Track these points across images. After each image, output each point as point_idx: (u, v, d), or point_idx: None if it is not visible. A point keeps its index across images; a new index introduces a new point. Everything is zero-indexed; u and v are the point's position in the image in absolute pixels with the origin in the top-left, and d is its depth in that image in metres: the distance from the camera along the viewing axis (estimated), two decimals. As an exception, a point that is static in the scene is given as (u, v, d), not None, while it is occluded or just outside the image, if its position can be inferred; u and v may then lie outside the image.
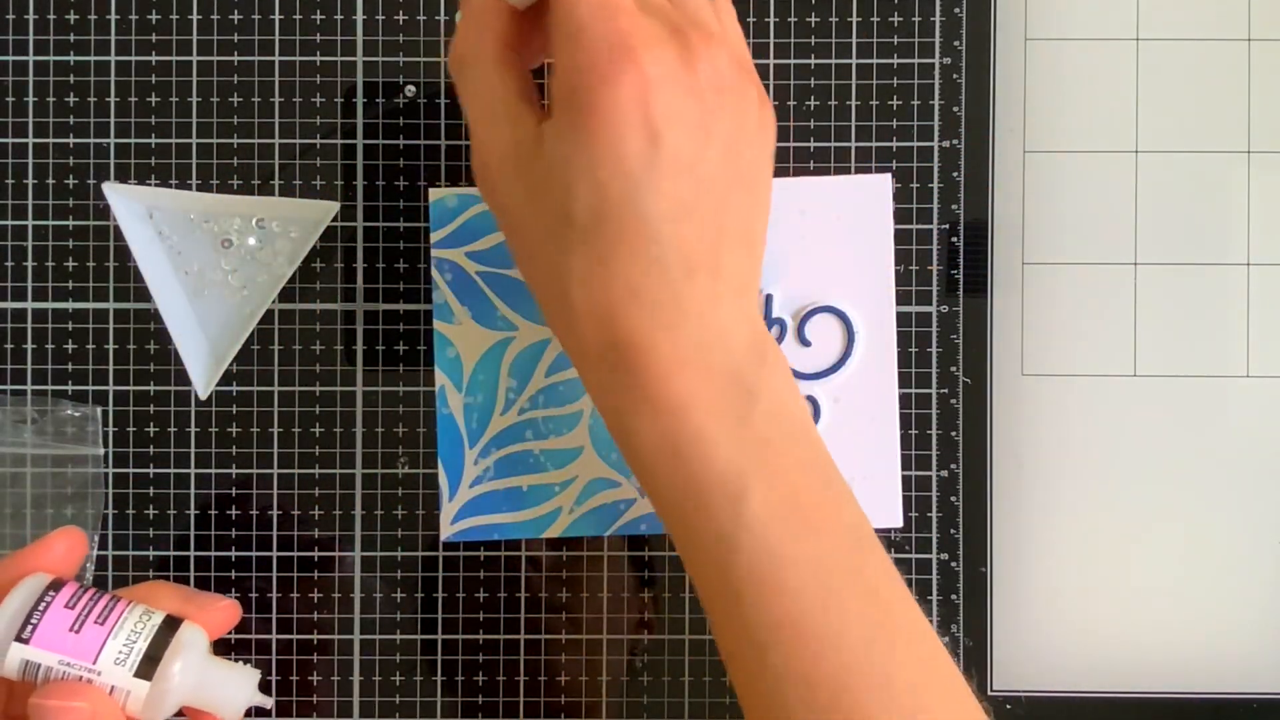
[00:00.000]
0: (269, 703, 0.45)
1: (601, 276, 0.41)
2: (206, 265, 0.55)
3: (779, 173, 0.55)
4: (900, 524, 0.55)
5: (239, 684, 0.44)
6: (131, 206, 0.55)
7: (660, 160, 0.40)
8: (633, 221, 0.40)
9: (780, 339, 0.54)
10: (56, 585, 0.42)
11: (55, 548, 0.43)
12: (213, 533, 0.56)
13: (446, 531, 0.55)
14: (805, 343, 0.54)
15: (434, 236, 0.55)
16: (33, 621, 0.41)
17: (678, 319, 0.41)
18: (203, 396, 0.55)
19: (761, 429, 0.41)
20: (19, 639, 0.40)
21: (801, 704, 0.40)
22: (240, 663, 0.45)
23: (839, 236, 0.55)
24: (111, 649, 0.41)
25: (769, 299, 0.54)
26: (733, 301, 0.42)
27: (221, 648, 0.55)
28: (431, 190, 0.55)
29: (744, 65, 0.43)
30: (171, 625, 0.43)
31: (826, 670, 0.40)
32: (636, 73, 0.39)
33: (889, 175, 0.55)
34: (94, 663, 0.41)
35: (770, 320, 0.54)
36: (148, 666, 0.41)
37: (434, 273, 0.55)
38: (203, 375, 0.55)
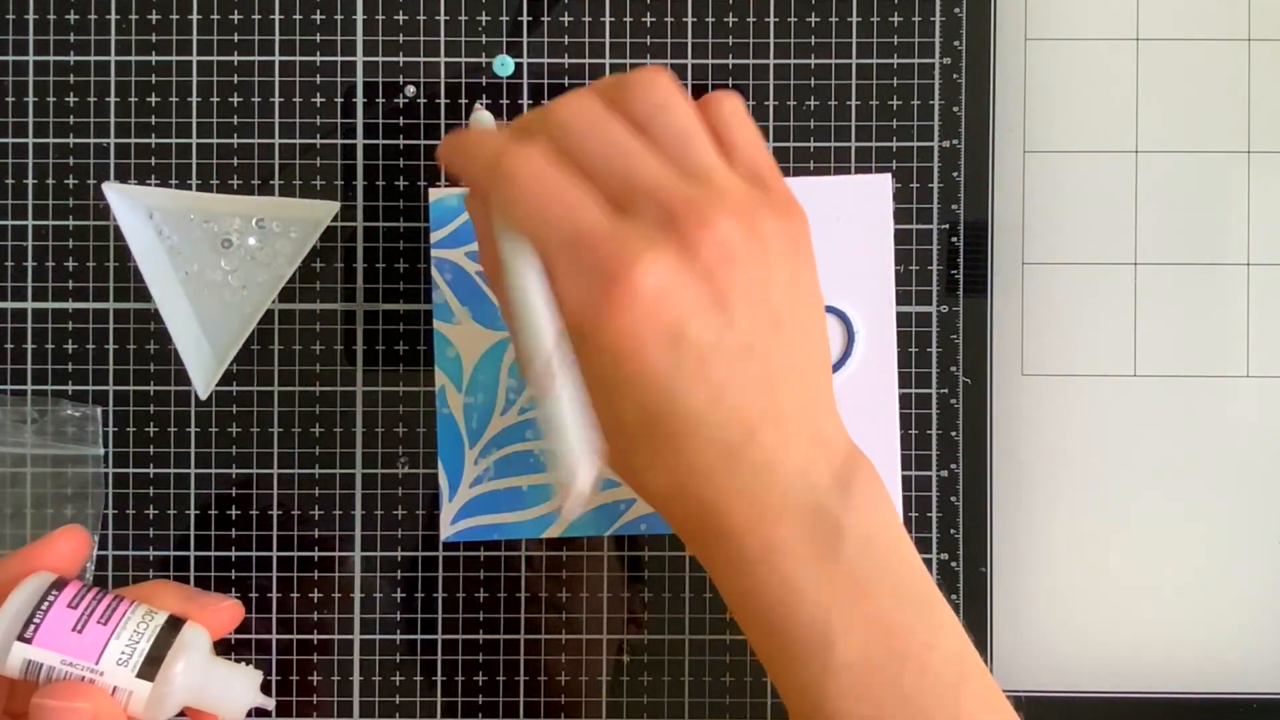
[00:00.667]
0: (270, 704, 0.45)
1: (667, 465, 0.40)
2: (206, 265, 0.55)
3: (779, 163, 0.55)
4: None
5: (241, 685, 0.44)
6: (131, 206, 0.55)
7: (687, 357, 0.39)
8: (677, 421, 0.39)
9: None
10: (59, 584, 0.42)
11: (58, 547, 0.43)
12: (213, 533, 0.56)
13: (446, 531, 0.55)
14: (805, 342, 0.54)
15: (434, 236, 0.55)
16: (35, 621, 0.40)
17: (750, 480, 0.40)
18: (203, 397, 0.55)
19: (850, 565, 0.40)
20: (21, 638, 0.40)
21: None
22: (242, 663, 0.45)
23: (839, 236, 0.55)
24: (114, 649, 0.41)
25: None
26: (804, 440, 0.41)
27: (222, 648, 0.55)
28: (431, 190, 0.55)
29: (757, 180, 0.42)
30: (174, 626, 0.42)
31: None
32: (634, 296, 0.38)
33: (889, 175, 0.55)
34: (96, 663, 0.41)
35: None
36: (150, 667, 0.41)
37: (434, 273, 0.55)
38: (203, 375, 0.55)
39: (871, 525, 0.41)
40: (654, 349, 0.38)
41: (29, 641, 0.40)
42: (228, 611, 0.45)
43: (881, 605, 0.40)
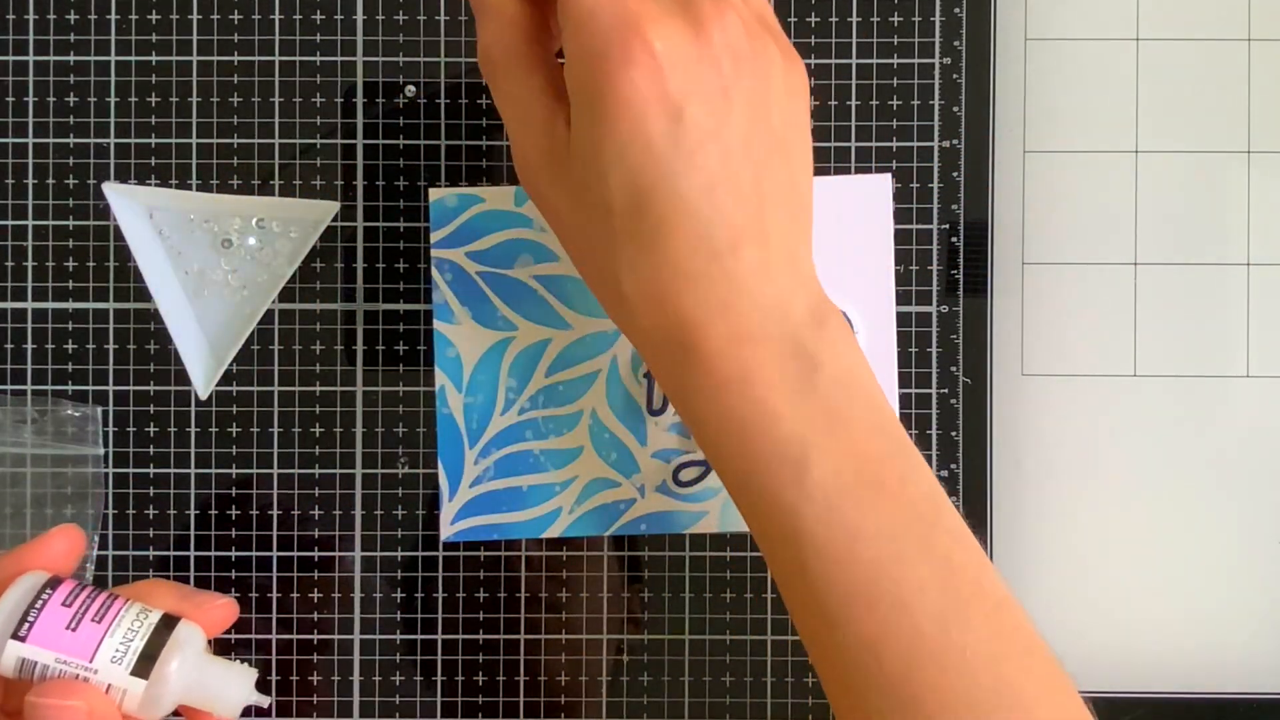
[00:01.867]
0: (266, 701, 0.45)
1: (649, 262, 0.41)
2: (206, 265, 0.55)
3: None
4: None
5: (236, 682, 0.44)
6: (131, 206, 0.55)
7: (685, 136, 0.39)
8: (670, 201, 0.40)
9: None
10: (54, 583, 0.42)
11: (54, 545, 0.43)
12: (213, 533, 0.56)
13: (446, 531, 0.55)
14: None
15: (434, 236, 0.55)
16: (29, 619, 0.40)
17: (729, 294, 0.40)
18: (203, 397, 0.55)
19: (825, 397, 0.41)
20: (15, 636, 0.40)
21: (873, 678, 0.40)
22: (238, 661, 0.45)
23: (839, 236, 0.55)
24: (108, 647, 0.41)
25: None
26: (785, 269, 0.42)
27: (222, 647, 0.55)
28: (431, 190, 0.55)
29: (763, 24, 0.42)
30: (169, 623, 0.42)
31: (898, 643, 0.39)
32: (646, 52, 0.39)
33: (889, 175, 0.55)
34: (90, 661, 0.41)
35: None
36: (144, 665, 0.41)
37: (434, 273, 0.55)
38: (203, 375, 0.55)
39: (846, 365, 0.42)
40: (655, 115, 0.39)
41: (23, 640, 0.40)
42: (222, 610, 0.45)
43: (856, 437, 0.41)
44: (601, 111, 0.40)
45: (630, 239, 0.41)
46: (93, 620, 0.41)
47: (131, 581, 0.53)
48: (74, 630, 0.41)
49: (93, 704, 0.41)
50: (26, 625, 0.40)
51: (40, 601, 0.41)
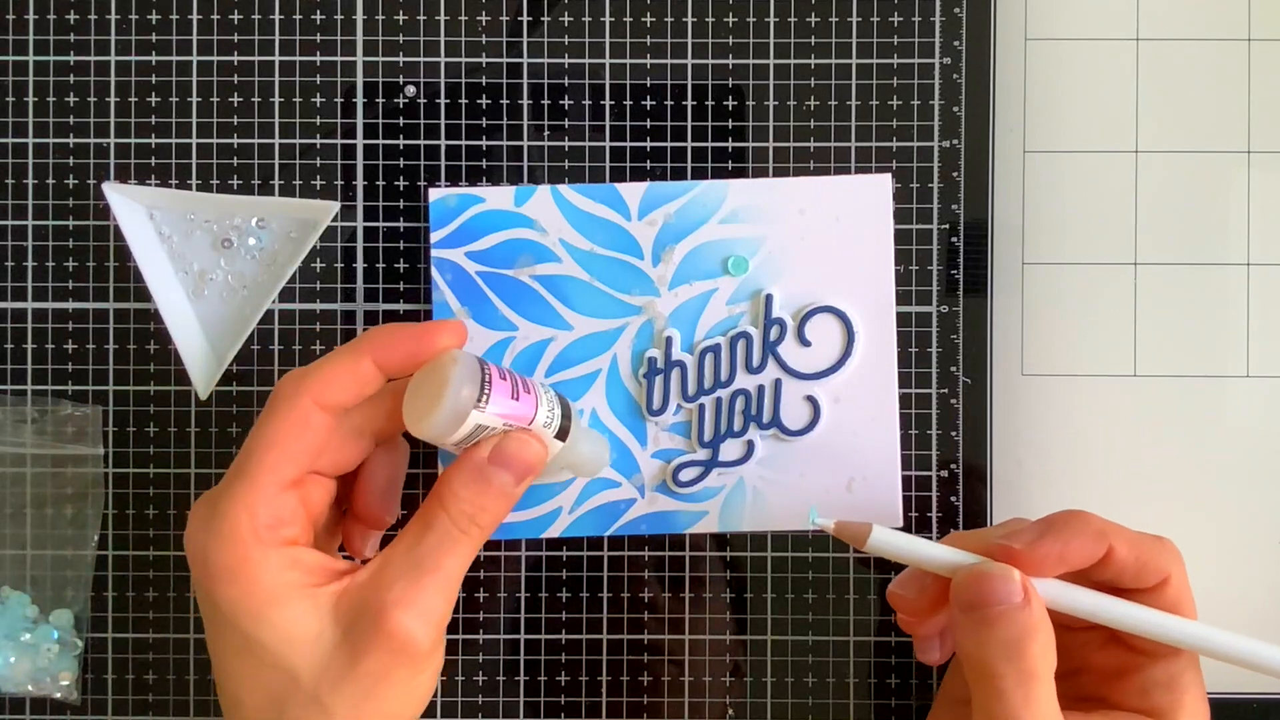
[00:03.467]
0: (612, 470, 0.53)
1: None
2: (207, 265, 0.55)
3: (779, 173, 0.55)
4: (900, 524, 0.55)
5: (604, 449, 0.53)
6: (131, 206, 0.55)
7: None
8: None
9: (780, 339, 0.54)
10: (481, 362, 0.46)
11: (454, 334, 0.47)
12: (213, 533, 0.55)
13: (446, 531, 0.55)
14: (805, 343, 0.54)
15: (434, 237, 0.55)
16: (485, 390, 0.45)
17: None
18: (203, 397, 0.55)
19: None
20: (476, 406, 0.44)
21: None
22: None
23: (839, 236, 0.55)
24: (541, 414, 0.47)
25: (769, 299, 0.54)
26: None
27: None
28: (431, 190, 0.55)
29: None
30: (565, 400, 0.49)
31: None
32: None
33: (889, 175, 0.55)
34: (530, 424, 0.46)
35: (770, 320, 0.54)
36: (563, 430, 0.48)
37: (434, 273, 0.55)
38: (202, 375, 0.55)
39: None
40: None
41: (482, 408, 0.45)
42: (457, 331, 0.48)
43: None
44: None
45: None
46: (525, 392, 0.46)
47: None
48: (516, 400, 0.46)
49: (540, 452, 0.47)
50: (484, 396, 0.45)
51: (488, 375, 0.45)
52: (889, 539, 0.46)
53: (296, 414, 0.44)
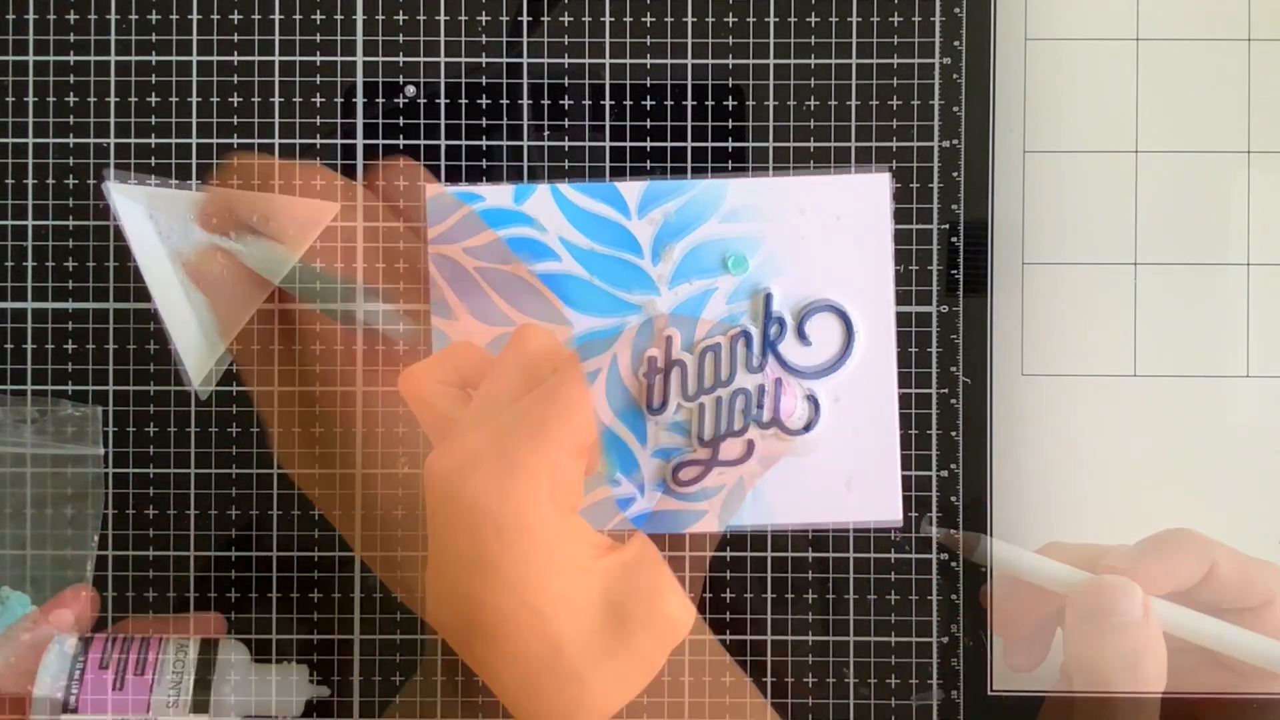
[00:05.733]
0: (326, 692, 0.45)
1: None
2: (205, 260, 0.55)
3: (778, 172, 0.55)
4: (900, 521, 0.55)
5: (292, 684, 0.44)
6: (130, 202, 0.55)
7: None
8: None
9: (780, 337, 0.54)
10: (85, 643, 0.41)
11: (68, 611, 0.43)
12: (213, 533, 0.56)
13: (448, 529, 0.55)
14: (805, 340, 0.54)
15: (431, 233, 0.55)
16: (73, 691, 0.40)
17: None
18: (198, 394, 0.55)
19: None
20: (66, 710, 0.40)
21: None
22: (282, 662, 0.44)
23: (838, 234, 0.55)
24: (160, 696, 0.41)
25: (769, 297, 0.54)
26: None
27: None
28: (429, 187, 0.55)
29: None
30: (208, 648, 0.42)
31: None
32: None
33: (888, 173, 0.55)
34: (148, 713, 0.40)
35: (770, 318, 0.54)
36: (201, 699, 0.41)
37: (431, 269, 0.55)
38: (198, 372, 0.55)
39: None
40: None
41: (75, 711, 0.40)
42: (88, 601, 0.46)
43: None
44: None
45: None
46: (135, 674, 0.41)
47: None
48: (121, 690, 0.40)
49: None
50: (73, 697, 0.40)
51: (78, 670, 0.40)
52: (1001, 552, 0.47)
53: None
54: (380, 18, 0.56)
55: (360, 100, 0.56)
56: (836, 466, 0.55)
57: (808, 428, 0.52)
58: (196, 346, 0.55)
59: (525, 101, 0.56)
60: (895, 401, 0.55)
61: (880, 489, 0.55)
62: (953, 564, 0.55)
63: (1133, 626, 0.45)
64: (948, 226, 0.56)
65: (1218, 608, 0.47)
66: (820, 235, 0.55)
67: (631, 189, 0.55)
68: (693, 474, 0.55)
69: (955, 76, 0.56)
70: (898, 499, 0.55)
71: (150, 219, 0.55)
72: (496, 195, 0.55)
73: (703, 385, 0.54)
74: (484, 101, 0.56)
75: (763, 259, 0.54)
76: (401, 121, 0.56)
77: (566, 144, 0.55)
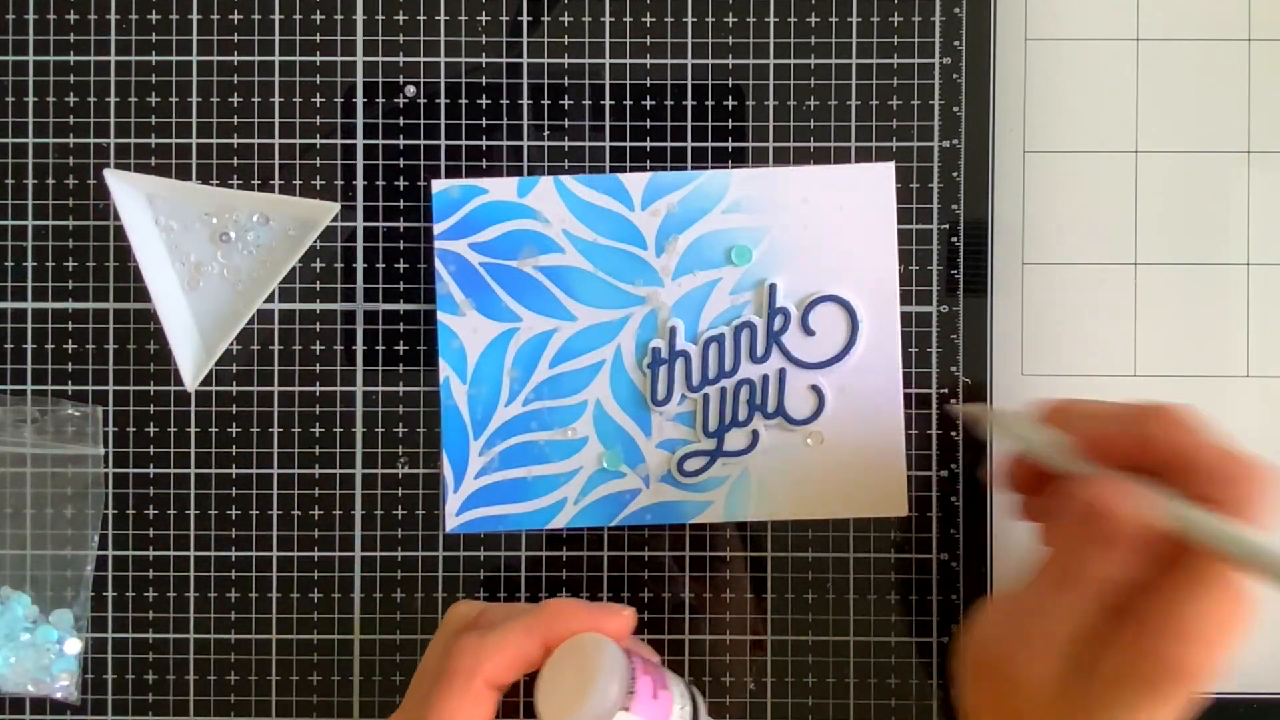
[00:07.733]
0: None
1: None
2: (204, 257, 0.55)
3: (780, 164, 0.55)
4: (905, 513, 0.55)
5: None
6: (131, 194, 0.55)
7: None
8: None
9: (784, 328, 0.54)
10: (627, 655, 0.46)
11: (622, 622, 0.48)
12: (213, 533, 0.55)
13: (451, 523, 0.55)
14: (809, 332, 0.54)
15: (437, 229, 0.55)
16: (632, 690, 0.45)
17: None
18: (190, 389, 0.55)
19: None
20: (624, 708, 0.45)
21: None
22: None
23: (842, 225, 0.55)
24: (676, 712, 0.47)
25: (773, 288, 0.54)
26: None
27: (222, 649, 0.55)
28: (434, 182, 0.55)
29: None
30: (688, 685, 0.49)
31: None
32: None
33: (891, 164, 0.55)
34: None
35: (774, 309, 0.54)
36: None
37: (437, 264, 0.55)
38: (191, 367, 0.55)
39: None
40: None
41: (628, 709, 0.45)
42: (628, 620, 0.48)
43: None
44: None
45: None
46: (662, 688, 0.46)
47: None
48: (656, 698, 0.46)
49: None
50: (631, 696, 0.45)
51: (633, 673, 0.46)
52: (1009, 421, 0.45)
53: (471, 695, 0.46)
54: (380, 18, 0.56)
55: (360, 100, 0.56)
56: (842, 456, 0.55)
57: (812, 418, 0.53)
58: (191, 345, 0.55)
59: (525, 101, 0.56)
60: (900, 390, 0.55)
61: (886, 479, 0.55)
62: (953, 564, 0.55)
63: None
64: (948, 226, 0.56)
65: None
66: (824, 225, 0.55)
67: (635, 181, 0.55)
68: (698, 465, 0.55)
69: (955, 76, 0.56)
70: (904, 489, 0.55)
71: (149, 209, 0.55)
72: (500, 189, 0.55)
73: (707, 376, 0.54)
74: (484, 101, 0.56)
75: (766, 250, 0.55)
76: (401, 121, 0.56)
77: (567, 144, 0.55)
